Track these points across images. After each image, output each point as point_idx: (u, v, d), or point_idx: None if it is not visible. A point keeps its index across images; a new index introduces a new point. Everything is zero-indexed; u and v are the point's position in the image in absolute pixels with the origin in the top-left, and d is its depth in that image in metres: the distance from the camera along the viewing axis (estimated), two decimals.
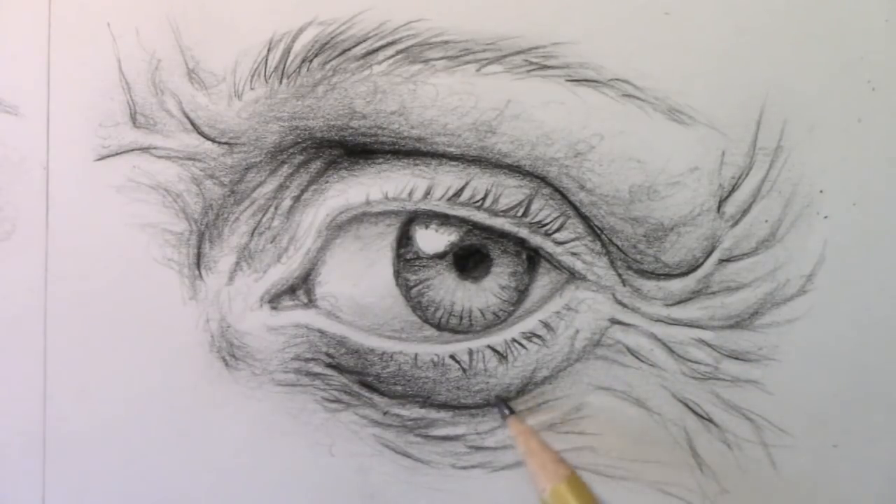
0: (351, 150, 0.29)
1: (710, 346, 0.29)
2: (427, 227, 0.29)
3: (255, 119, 0.29)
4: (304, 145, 0.29)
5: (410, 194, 0.29)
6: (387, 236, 0.30)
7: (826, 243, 0.29)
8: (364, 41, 0.29)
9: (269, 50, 0.29)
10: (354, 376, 0.29)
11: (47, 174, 0.30)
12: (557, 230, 0.29)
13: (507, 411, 0.29)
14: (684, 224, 0.29)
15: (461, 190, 0.29)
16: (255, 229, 0.29)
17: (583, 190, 0.29)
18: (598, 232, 0.29)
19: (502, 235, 0.29)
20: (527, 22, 0.29)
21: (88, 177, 0.30)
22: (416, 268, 0.30)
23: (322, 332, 0.30)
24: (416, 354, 0.29)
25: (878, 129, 0.29)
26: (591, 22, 0.29)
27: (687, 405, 0.29)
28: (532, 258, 0.29)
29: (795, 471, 0.29)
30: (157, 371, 0.30)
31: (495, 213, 0.29)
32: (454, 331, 0.30)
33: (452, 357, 0.29)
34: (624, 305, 0.29)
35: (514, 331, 0.29)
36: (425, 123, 0.29)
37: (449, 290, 0.30)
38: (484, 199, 0.29)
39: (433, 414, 0.29)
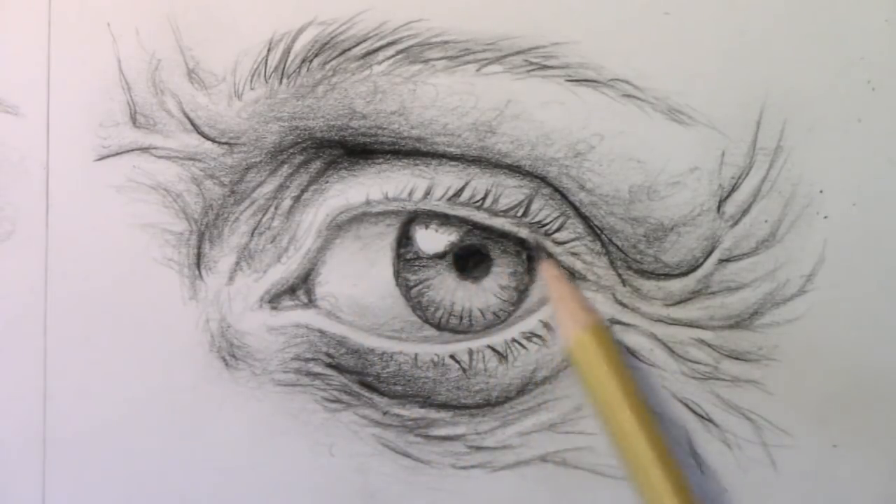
0: (351, 150, 0.29)
1: (709, 346, 0.29)
2: (427, 227, 0.29)
3: (255, 119, 0.29)
4: (304, 145, 0.29)
5: (410, 194, 0.29)
6: (387, 236, 0.30)
7: (826, 243, 0.29)
8: (364, 41, 0.29)
9: (269, 50, 0.29)
10: (354, 376, 0.29)
11: (47, 174, 0.30)
12: (557, 230, 0.29)
13: (544, 255, 0.29)
14: (684, 224, 0.29)
15: (461, 190, 0.29)
16: (255, 229, 0.29)
17: (583, 190, 0.29)
18: (598, 232, 0.29)
19: (502, 235, 0.29)
20: (527, 22, 0.29)
21: (88, 177, 0.30)
22: (416, 268, 0.30)
23: (322, 332, 0.30)
24: (416, 354, 0.29)
25: (878, 129, 0.29)
26: (591, 22, 0.29)
27: (687, 405, 0.29)
28: (532, 258, 0.29)
29: (795, 471, 0.29)
30: (156, 371, 0.30)
31: (495, 213, 0.29)
32: (454, 331, 0.30)
33: (452, 357, 0.29)
34: (624, 305, 0.29)
35: (514, 331, 0.29)
36: (425, 123, 0.29)
37: (449, 290, 0.30)
38: (484, 199, 0.29)
39: (433, 414, 0.29)
